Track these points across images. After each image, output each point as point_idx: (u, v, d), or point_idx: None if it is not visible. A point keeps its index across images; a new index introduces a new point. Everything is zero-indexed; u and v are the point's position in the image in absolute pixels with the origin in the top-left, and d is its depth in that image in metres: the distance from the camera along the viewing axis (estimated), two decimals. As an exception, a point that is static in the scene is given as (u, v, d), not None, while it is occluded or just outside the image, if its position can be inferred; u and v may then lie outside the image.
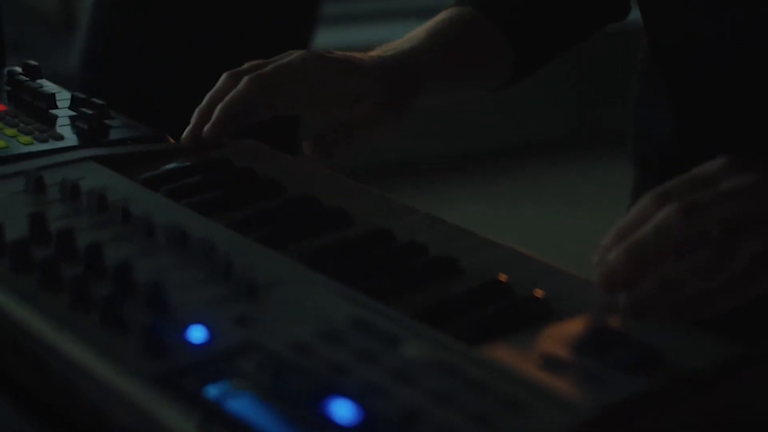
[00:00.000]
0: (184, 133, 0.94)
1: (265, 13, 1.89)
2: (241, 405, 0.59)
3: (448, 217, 0.82)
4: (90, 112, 0.98)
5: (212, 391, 0.60)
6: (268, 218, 0.81)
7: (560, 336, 0.67)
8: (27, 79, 1.06)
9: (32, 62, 1.10)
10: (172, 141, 0.98)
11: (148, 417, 0.60)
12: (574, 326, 0.68)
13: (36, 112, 1.01)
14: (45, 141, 0.95)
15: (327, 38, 2.29)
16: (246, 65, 0.96)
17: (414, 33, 1.01)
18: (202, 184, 0.85)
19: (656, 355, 0.66)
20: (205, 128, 0.91)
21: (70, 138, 0.97)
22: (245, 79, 0.92)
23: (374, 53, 0.98)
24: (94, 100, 1.01)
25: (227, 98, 0.91)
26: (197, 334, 0.65)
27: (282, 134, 1.81)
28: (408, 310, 0.70)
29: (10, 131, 0.97)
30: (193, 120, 0.93)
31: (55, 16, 3.04)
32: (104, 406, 0.63)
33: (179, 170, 0.88)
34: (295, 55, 0.94)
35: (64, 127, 0.99)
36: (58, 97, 1.04)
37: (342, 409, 0.59)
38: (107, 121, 0.99)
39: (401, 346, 0.65)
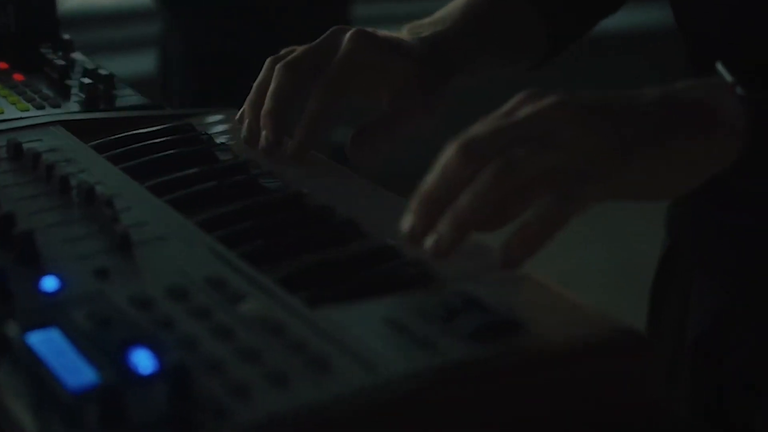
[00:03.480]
0: (244, 134, 0.88)
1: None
2: (40, 344, 0.59)
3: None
4: (89, 81, 1.01)
5: (33, 335, 0.61)
6: (192, 181, 0.81)
7: (419, 302, 0.65)
8: (50, 51, 1.10)
9: (65, 36, 1.14)
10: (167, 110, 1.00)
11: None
12: (439, 293, 0.66)
13: (51, 83, 1.05)
14: (41, 108, 0.99)
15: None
16: (295, 54, 0.89)
17: (447, 12, 0.98)
18: (146, 149, 0.86)
19: (509, 324, 0.62)
20: (292, 147, 0.86)
21: (69, 106, 1.00)
22: (318, 90, 0.86)
23: (407, 33, 0.95)
24: (100, 71, 1.04)
25: (308, 115, 0.86)
26: (49, 283, 0.66)
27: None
28: (283, 274, 0.69)
29: (12, 98, 1.01)
30: (269, 125, 0.87)
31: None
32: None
33: (133, 136, 0.89)
34: (347, 39, 0.88)
35: (73, 97, 1.03)
36: (78, 69, 1.07)
37: (141, 359, 0.58)
38: (113, 92, 1.02)
39: (239, 305, 0.64)
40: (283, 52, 0.91)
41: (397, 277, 0.69)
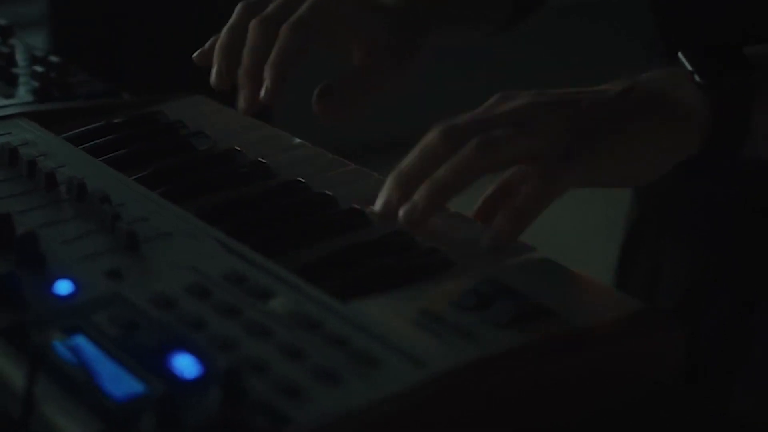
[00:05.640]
0: (241, 102, 0.82)
1: None
2: (76, 354, 0.57)
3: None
4: (41, 69, 0.97)
5: (58, 343, 0.58)
6: (181, 172, 0.78)
7: (447, 291, 0.64)
8: (-8, 38, 1.06)
9: (3, 21, 1.10)
10: (126, 97, 0.97)
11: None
12: (465, 281, 0.65)
13: (-1, 71, 1.01)
14: (-5, 99, 0.95)
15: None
16: (268, 9, 0.84)
17: None
18: (124, 139, 0.83)
19: (540, 310, 0.62)
20: (263, 95, 0.80)
21: (21, 96, 0.96)
22: (287, 29, 0.81)
23: None
24: (51, 57, 1.00)
25: (276, 55, 0.81)
26: (63, 286, 0.63)
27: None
28: (299, 264, 0.67)
29: (-39, 89, 0.96)
30: (219, 58, 0.83)
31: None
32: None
33: (106, 126, 0.86)
34: None
35: (22, 86, 0.98)
36: (21, 56, 1.03)
37: (183, 364, 0.56)
38: (70, 79, 0.99)
39: (267, 301, 0.62)
40: None
41: (418, 264, 0.68)
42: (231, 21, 0.85)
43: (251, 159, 0.81)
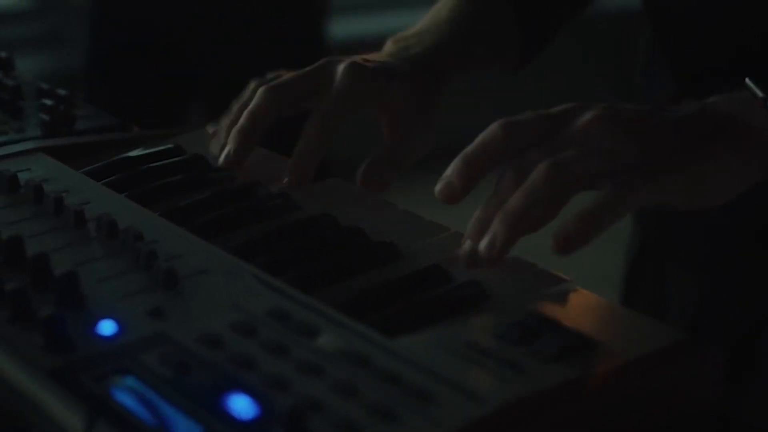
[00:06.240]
0: (225, 157, 0.85)
1: (273, 10, 1.88)
2: (132, 398, 0.57)
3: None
4: (50, 103, 0.97)
5: (110, 385, 0.58)
6: (207, 207, 0.78)
7: (490, 324, 0.65)
8: (-4, 71, 1.05)
9: (3, 54, 1.09)
10: (137, 129, 0.97)
11: (43, 411, 0.58)
12: (506, 313, 0.66)
13: (3, 105, 1.00)
14: (5, 133, 0.94)
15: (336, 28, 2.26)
16: (283, 79, 0.87)
17: (432, 22, 0.97)
18: (147, 174, 0.83)
19: (586, 343, 0.63)
20: (290, 181, 0.83)
21: (31, 130, 0.95)
22: (314, 122, 0.84)
23: (394, 48, 0.94)
24: (59, 91, 1.00)
25: (302, 147, 0.84)
26: (107, 327, 0.63)
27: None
28: (336, 299, 0.67)
29: (-32, 124, 0.96)
30: (236, 142, 0.85)
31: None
32: (7, 404, 0.61)
33: (125, 160, 0.86)
34: (339, 71, 0.86)
35: (29, 119, 0.98)
36: (26, 89, 1.02)
37: (240, 405, 0.56)
38: (75, 112, 0.98)
39: (314, 338, 0.62)
40: (269, 75, 0.89)
41: (457, 297, 0.68)
42: (242, 97, 0.88)
43: (274, 192, 0.81)
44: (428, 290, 0.69)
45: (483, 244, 0.69)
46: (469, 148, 0.71)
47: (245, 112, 0.85)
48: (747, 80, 0.74)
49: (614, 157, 0.69)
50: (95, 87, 1.83)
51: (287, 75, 0.88)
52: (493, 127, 0.71)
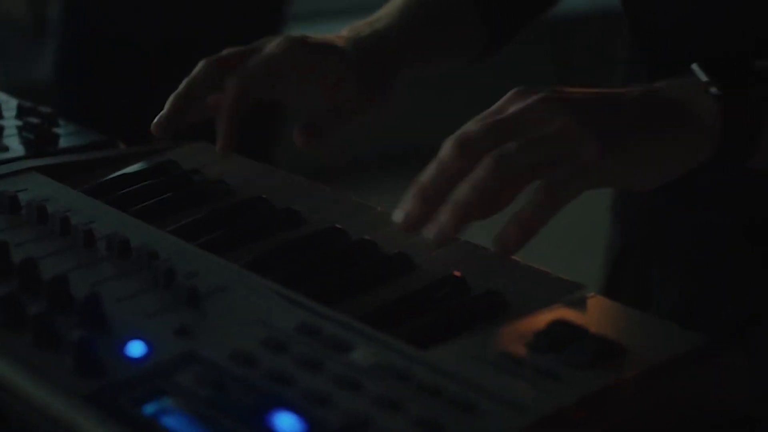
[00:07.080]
0: (157, 120, 0.89)
1: (236, 11, 1.87)
2: (177, 421, 0.56)
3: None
4: (35, 121, 0.95)
5: (149, 408, 0.57)
6: (214, 222, 0.78)
7: (516, 333, 0.65)
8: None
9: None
10: (124, 146, 0.96)
11: (81, 438, 0.57)
12: (531, 322, 0.66)
13: (-19, 124, 0.98)
14: (-10, 153, 0.92)
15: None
16: (225, 52, 0.92)
17: (386, 10, 1.00)
18: (147, 191, 0.82)
19: (616, 348, 0.63)
20: (219, 146, 0.88)
21: (15, 149, 0.94)
22: (232, 79, 0.88)
23: (347, 33, 0.96)
24: (41, 108, 0.99)
25: (222, 104, 0.88)
26: (135, 348, 0.62)
27: (263, 126, 1.79)
28: (358, 312, 0.67)
29: (-49, 144, 0.94)
30: (168, 106, 0.89)
31: (25, 22, 3.00)
32: (38, 430, 0.60)
33: (123, 177, 0.85)
34: (274, 43, 0.90)
35: (11, 138, 0.96)
36: (5, 106, 1.01)
37: (285, 422, 0.56)
38: (56, 130, 0.97)
39: (347, 352, 0.62)
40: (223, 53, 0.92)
41: (479, 307, 0.68)
42: (191, 76, 0.91)
43: (279, 207, 0.81)
44: (449, 301, 0.69)
45: (430, 231, 0.69)
46: (425, 176, 0.71)
47: (184, 81, 0.90)
48: (693, 65, 0.75)
49: (557, 142, 0.70)
50: (64, 101, 1.80)
51: (229, 50, 0.91)
52: (446, 149, 0.71)
